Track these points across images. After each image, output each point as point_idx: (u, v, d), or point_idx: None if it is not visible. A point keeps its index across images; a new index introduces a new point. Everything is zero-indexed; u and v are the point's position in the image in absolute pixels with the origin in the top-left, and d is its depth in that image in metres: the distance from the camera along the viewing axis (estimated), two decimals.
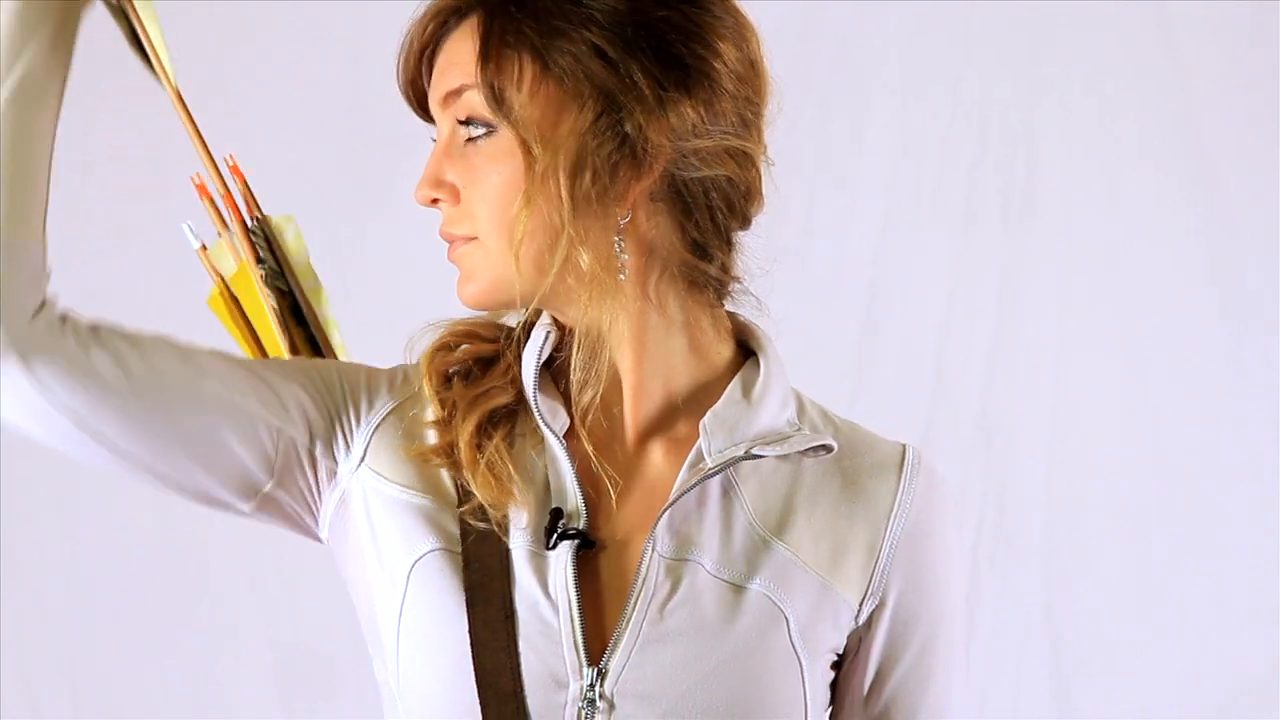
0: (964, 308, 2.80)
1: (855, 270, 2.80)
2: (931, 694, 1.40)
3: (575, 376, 1.34)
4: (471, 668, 1.30)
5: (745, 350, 1.41)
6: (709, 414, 1.36)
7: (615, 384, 1.36)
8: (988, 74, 2.79)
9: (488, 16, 1.30)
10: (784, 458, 1.36)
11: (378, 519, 1.36)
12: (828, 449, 1.36)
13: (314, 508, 1.39)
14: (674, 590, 1.32)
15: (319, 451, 1.37)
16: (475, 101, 1.30)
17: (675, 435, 1.37)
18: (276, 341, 1.50)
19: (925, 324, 2.81)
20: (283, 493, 1.37)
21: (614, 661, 1.30)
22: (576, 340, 1.34)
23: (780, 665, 1.32)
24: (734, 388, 1.37)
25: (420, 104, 1.37)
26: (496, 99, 1.29)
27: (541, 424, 1.35)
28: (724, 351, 1.39)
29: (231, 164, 1.49)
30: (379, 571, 1.36)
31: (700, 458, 1.35)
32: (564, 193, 1.28)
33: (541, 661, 1.31)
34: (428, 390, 1.37)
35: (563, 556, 1.32)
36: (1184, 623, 2.78)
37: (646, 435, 1.37)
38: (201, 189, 1.49)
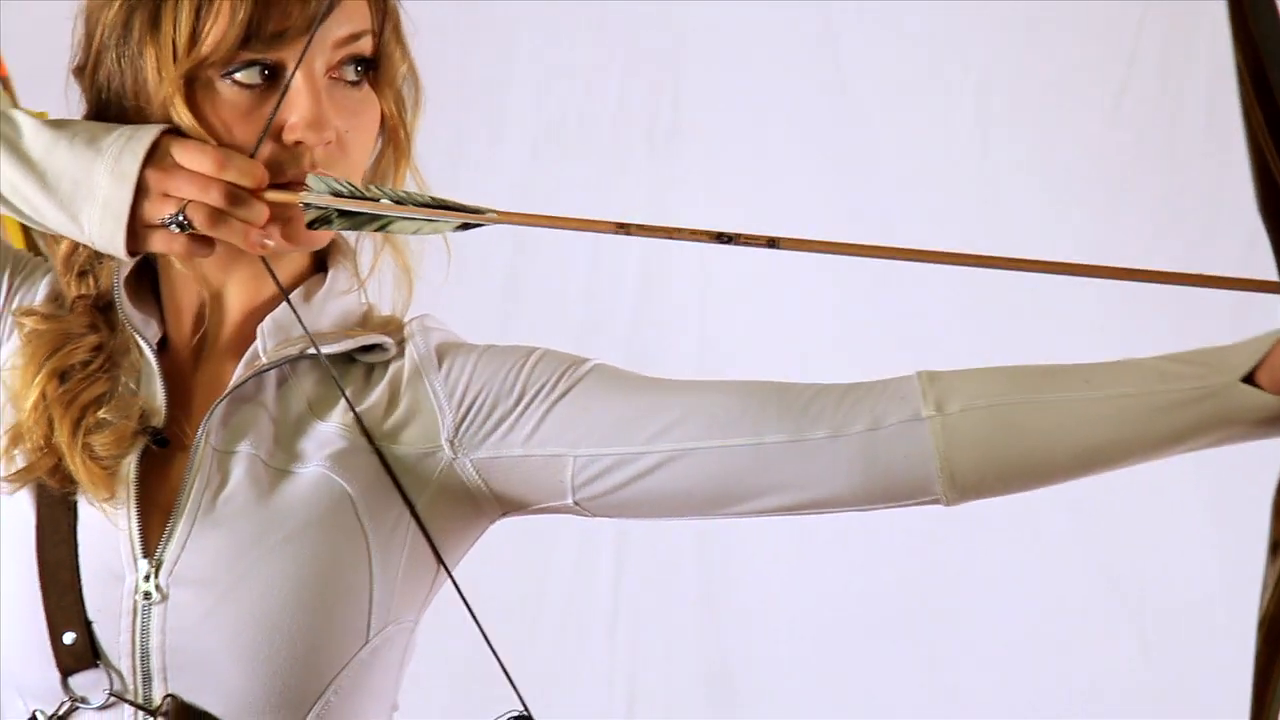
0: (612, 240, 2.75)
1: (502, 202, 2.73)
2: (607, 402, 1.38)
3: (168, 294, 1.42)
4: (36, 561, 1.36)
5: (322, 264, 1.46)
6: (268, 318, 1.41)
7: (217, 301, 1.42)
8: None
9: None
10: (344, 355, 1.41)
11: None
12: (383, 348, 1.41)
13: None
14: (225, 481, 1.37)
15: None
16: (369, 45, 1.39)
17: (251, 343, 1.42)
18: None
19: (575, 255, 2.75)
20: None
21: (168, 552, 1.36)
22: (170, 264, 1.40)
23: (345, 540, 1.36)
24: (296, 294, 1.42)
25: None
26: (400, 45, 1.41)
27: (132, 331, 1.40)
28: (294, 267, 1.44)
29: None
30: None
31: (256, 356, 1.40)
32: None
33: (98, 556, 1.36)
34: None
35: (131, 455, 1.37)
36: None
37: (230, 348, 1.42)
38: None
